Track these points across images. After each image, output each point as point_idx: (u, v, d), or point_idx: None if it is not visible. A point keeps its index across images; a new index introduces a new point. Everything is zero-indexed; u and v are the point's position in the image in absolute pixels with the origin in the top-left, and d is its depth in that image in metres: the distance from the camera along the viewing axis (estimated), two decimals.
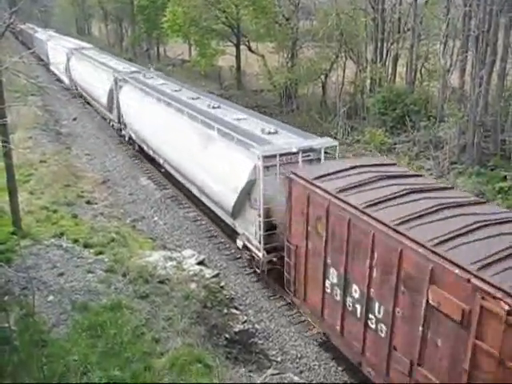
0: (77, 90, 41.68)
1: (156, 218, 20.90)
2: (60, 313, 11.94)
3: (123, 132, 29.36)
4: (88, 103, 39.60)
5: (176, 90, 24.41)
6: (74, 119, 36.91)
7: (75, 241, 15.60)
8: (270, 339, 13.72)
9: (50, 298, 12.44)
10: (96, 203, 20.62)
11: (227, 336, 13.11)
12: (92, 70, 34.85)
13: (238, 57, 43.64)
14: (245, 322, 14.08)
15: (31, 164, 23.49)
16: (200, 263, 15.68)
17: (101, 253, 15.06)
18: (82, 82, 38.68)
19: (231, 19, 40.36)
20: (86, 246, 15.41)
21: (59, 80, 46.24)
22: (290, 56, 37.35)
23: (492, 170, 22.76)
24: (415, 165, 24.69)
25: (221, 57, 43.01)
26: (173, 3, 42.37)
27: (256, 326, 14.15)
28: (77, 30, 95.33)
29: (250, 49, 41.69)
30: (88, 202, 20.39)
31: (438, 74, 28.22)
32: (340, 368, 12.68)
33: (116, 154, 29.21)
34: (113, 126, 31.86)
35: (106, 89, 30.55)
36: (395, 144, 27.49)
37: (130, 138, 28.31)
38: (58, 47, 47.76)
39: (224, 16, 40.00)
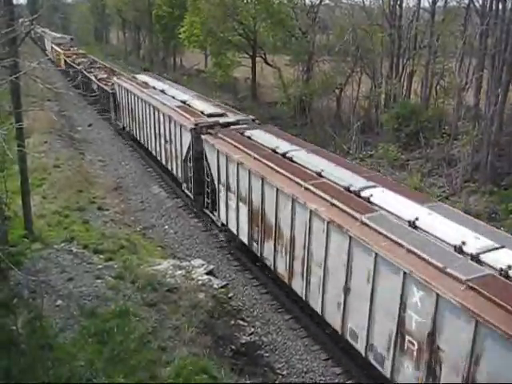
0: None
1: (166, 227, 20.94)
2: (67, 317, 11.96)
3: None
4: None
5: None
6: (89, 125, 37.20)
7: (85, 246, 15.67)
8: (277, 352, 13.63)
9: (59, 302, 12.47)
10: (107, 209, 20.67)
11: (233, 347, 13.03)
12: None
13: (253, 69, 43.75)
14: (252, 333, 14.01)
15: (45, 168, 23.63)
16: (209, 273, 15.64)
17: (110, 259, 15.10)
18: None
19: (248, 31, 40.61)
20: (95, 251, 15.46)
21: None
22: (305, 69, 37.42)
23: (505, 189, 22.56)
24: (427, 182, 24.56)
25: (236, 68, 43.21)
26: (191, 13, 42.77)
27: (263, 338, 14.07)
28: (95, 37, 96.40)
29: (265, 61, 41.82)
30: (99, 208, 20.44)
31: (453, 91, 28.13)
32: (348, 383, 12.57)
33: (129, 161, 29.36)
34: None
35: None
36: (408, 160, 27.35)
37: None
38: None
39: (241, 28, 40.26)
